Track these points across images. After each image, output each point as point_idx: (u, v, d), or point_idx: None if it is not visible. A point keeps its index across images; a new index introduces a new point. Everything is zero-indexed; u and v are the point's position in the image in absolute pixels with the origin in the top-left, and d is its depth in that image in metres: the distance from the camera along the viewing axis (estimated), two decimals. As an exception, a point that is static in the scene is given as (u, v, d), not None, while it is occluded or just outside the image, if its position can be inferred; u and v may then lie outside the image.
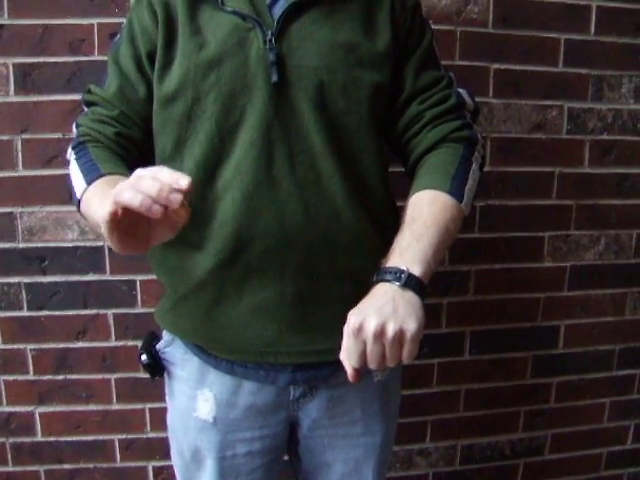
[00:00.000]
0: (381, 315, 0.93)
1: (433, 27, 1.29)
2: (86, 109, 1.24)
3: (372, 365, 0.94)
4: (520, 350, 2.07)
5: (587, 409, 2.19)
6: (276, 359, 1.19)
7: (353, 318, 0.94)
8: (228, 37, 1.10)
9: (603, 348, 2.14)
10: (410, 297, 0.96)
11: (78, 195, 1.11)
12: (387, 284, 0.97)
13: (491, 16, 1.81)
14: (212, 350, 1.23)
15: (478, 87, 1.83)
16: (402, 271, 0.97)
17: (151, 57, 1.15)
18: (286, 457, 1.41)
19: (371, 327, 0.92)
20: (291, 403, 1.26)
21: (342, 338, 1.16)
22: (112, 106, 1.18)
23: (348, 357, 0.95)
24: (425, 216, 1.06)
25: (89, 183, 1.09)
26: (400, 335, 0.92)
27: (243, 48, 1.09)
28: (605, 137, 1.96)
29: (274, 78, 1.08)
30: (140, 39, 1.15)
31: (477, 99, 1.80)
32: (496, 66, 1.84)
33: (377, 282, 0.99)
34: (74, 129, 1.24)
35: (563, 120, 1.91)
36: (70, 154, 1.20)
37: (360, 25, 1.13)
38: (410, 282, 0.96)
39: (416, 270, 0.97)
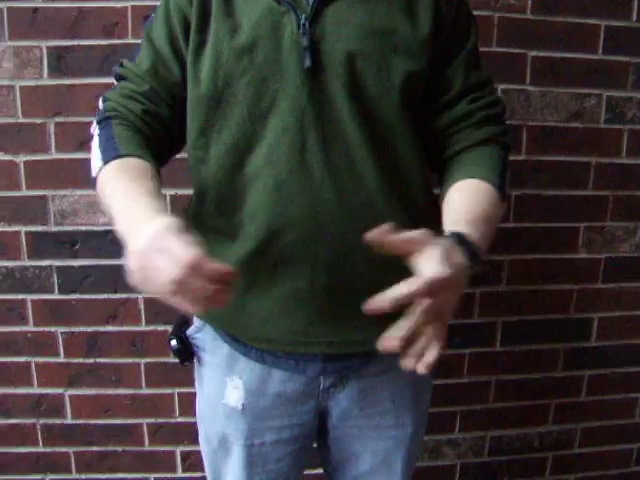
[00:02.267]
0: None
1: None
2: (116, 83, 1.22)
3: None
4: (552, 342, 2.05)
5: (618, 403, 2.16)
6: (306, 349, 1.18)
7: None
8: (262, 21, 1.08)
9: (636, 342, 2.10)
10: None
11: (94, 172, 1.10)
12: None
13: (529, 2, 1.77)
14: (242, 338, 1.22)
15: (515, 74, 1.82)
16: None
17: (186, 36, 1.12)
18: (315, 445, 1.40)
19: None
20: (321, 392, 1.25)
21: (374, 328, 1.16)
22: (142, 81, 1.16)
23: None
24: (485, 205, 1.09)
25: (105, 162, 1.08)
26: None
27: (277, 32, 1.07)
28: (644, 127, 1.92)
29: (307, 63, 1.06)
30: (175, 18, 1.13)
31: (514, 86, 1.81)
32: (534, 53, 1.81)
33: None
34: (100, 103, 1.20)
35: (601, 109, 1.88)
36: (94, 128, 1.18)
37: (399, 10, 1.10)
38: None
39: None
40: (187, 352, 1.31)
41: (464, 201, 1.09)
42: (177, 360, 1.33)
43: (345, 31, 1.07)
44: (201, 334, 1.29)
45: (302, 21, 1.06)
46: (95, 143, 1.14)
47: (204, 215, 1.19)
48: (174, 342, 1.30)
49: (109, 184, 1.06)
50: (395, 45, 1.09)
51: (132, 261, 0.89)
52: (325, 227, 1.09)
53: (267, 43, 1.07)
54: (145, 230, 0.90)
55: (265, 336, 1.18)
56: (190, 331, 1.31)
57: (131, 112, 1.15)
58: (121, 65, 1.21)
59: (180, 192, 1.75)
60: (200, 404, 1.37)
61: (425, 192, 1.20)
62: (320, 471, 1.48)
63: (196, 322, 1.31)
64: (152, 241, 0.88)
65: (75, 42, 1.69)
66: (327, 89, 1.08)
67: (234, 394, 1.25)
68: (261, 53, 1.07)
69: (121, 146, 1.09)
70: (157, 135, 1.17)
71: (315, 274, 1.12)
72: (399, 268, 1.16)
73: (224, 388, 1.26)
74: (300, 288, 1.13)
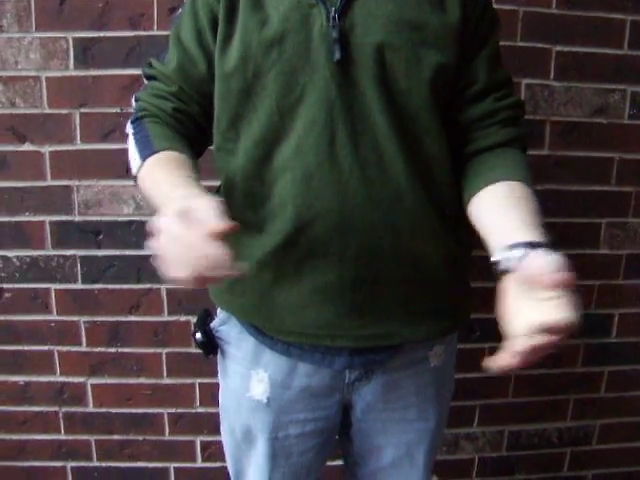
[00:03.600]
0: None
1: (495, 6, 1.24)
2: (146, 82, 1.23)
3: None
4: (572, 337, 2.02)
5: (638, 400, 2.15)
6: (333, 342, 1.18)
7: None
8: (291, 13, 1.07)
9: (657, 338, 2.10)
10: None
11: (134, 171, 1.13)
12: None
13: (554, -4, 1.77)
14: (268, 331, 1.22)
15: (539, 69, 1.81)
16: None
17: (213, 30, 1.12)
18: (337, 437, 1.41)
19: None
20: (346, 386, 1.25)
21: (400, 322, 1.16)
22: (171, 82, 1.17)
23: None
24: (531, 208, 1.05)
25: (143, 159, 1.11)
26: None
27: (306, 25, 1.07)
28: (669, 123, 1.90)
29: (337, 56, 1.05)
30: (202, 11, 1.13)
31: (538, 81, 1.80)
32: (558, 48, 1.79)
33: None
34: (133, 102, 1.24)
35: (626, 104, 1.86)
36: (129, 128, 1.20)
37: (428, 3, 1.09)
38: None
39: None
40: (212, 345, 1.31)
41: (523, 208, 1.05)
42: (201, 352, 1.33)
43: (374, 24, 1.07)
44: (226, 327, 1.30)
45: (332, 14, 1.06)
46: (131, 142, 1.16)
47: (231, 208, 1.19)
48: (199, 335, 1.31)
49: (149, 178, 1.09)
50: (424, 38, 1.08)
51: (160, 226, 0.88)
52: (353, 220, 1.09)
53: (296, 36, 1.07)
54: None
55: (292, 329, 1.18)
56: (214, 324, 1.32)
57: (162, 110, 1.17)
58: (150, 65, 1.22)
59: (205, 184, 1.75)
60: (224, 397, 1.37)
61: (451, 187, 1.19)
62: (340, 463, 1.49)
63: (220, 315, 1.31)
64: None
65: (101, 33, 1.70)
66: (356, 82, 1.08)
67: (259, 387, 1.26)
68: (290, 46, 1.07)
69: (156, 142, 1.12)
70: (189, 131, 1.18)
71: (343, 267, 1.12)
72: (427, 262, 1.17)
73: (249, 381, 1.27)
74: (328, 281, 1.13)
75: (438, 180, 1.16)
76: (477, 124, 1.17)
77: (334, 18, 1.06)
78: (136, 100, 1.23)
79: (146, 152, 1.11)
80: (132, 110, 1.23)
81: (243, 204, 1.16)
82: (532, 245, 0.92)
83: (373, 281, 1.14)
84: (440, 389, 1.33)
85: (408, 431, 1.32)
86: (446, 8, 1.10)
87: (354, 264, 1.12)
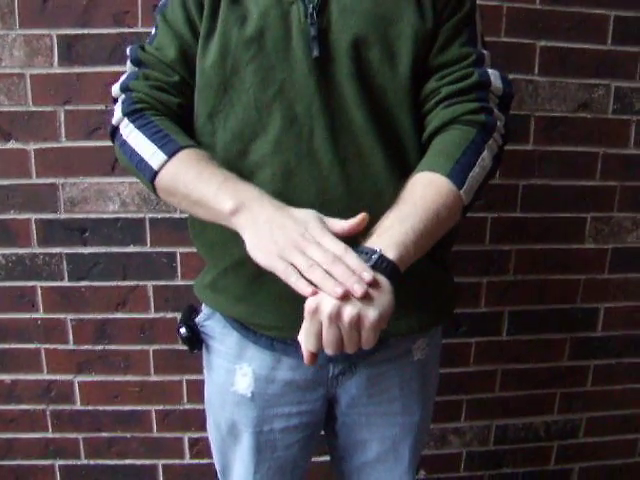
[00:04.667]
0: None
1: (479, 2, 1.21)
2: (134, 68, 1.18)
3: (327, 349, 0.91)
4: (558, 332, 2.05)
5: (624, 393, 2.17)
6: None
7: (311, 299, 0.90)
8: (270, 10, 1.08)
9: (642, 332, 2.11)
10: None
11: (155, 167, 1.07)
12: None
13: (539, -9, 1.78)
14: (251, 326, 1.22)
15: (523, 64, 1.81)
16: (374, 251, 0.93)
17: (201, 22, 1.12)
18: (322, 433, 1.41)
19: (326, 309, 0.88)
20: (330, 380, 1.26)
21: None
22: (171, 71, 1.14)
23: (305, 339, 0.92)
24: (416, 198, 1.01)
25: (169, 155, 1.06)
26: (357, 320, 0.88)
27: (285, 21, 1.07)
28: (652, 118, 1.92)
29: (315, 53, 1.06)
30: (192, 3, 1.12)
31: (522, 76, 1.80)
32: (542, 43, 1.80)
33: None
34: (119, 92, 1.17)
35: (609, 99, 1.88)
36: (120, 120, 1.14)
37: None
38: (381, 264, 0.92)
39: (391, 253, 0.93)
40: (196, 340, 1.31)
41: (402, 204, 1.02)
42: (186, 348, 1.33)
43: (350, 19, 1.07)
44: (210, 322, 1.30)
45: (309, 11, 1.06)
46: (138, 141, 1.10)
47: None
48: (183, 330, 1.30)
49: (186, 173, 1.04)
50: (400, 32, 1.08)
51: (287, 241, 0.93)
52: (333, 215, 1.05)
53: (276, 32, 1.07)
54: (295, 214, 0.96)
55: (273, 323, 1.18)
56: (199, 319, 1.32)
57: (165, 106, 1.13)
58: (142, 49, 1.17)
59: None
60: (209, 391, 1.37)
61: None
62: (326, 459, 1.49)
63: (205, 310, 1.31)
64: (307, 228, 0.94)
65: (85, 31, 1.69)
66: (334, 78, 1.08)
67: (243, 382, 1.26)
68: (269, 42, 1.07)
69: (179, 138, 1.08)
70: (191, 129, 1.16)
71: None
72: None
73: (233, 375, 1.27)
74: None
75: None
76: (424, 108, 1.14)
77: (312, 15, 1.06)
78: (127, 90, 1.16)
79: (170, 147, 1.06)
80: (119, 100, 1.16)
81: None
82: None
83: None
84: (424, 383, 1.33)
85: (393, 425, 1.32)
86: (423, 5, 1.09)
87: None
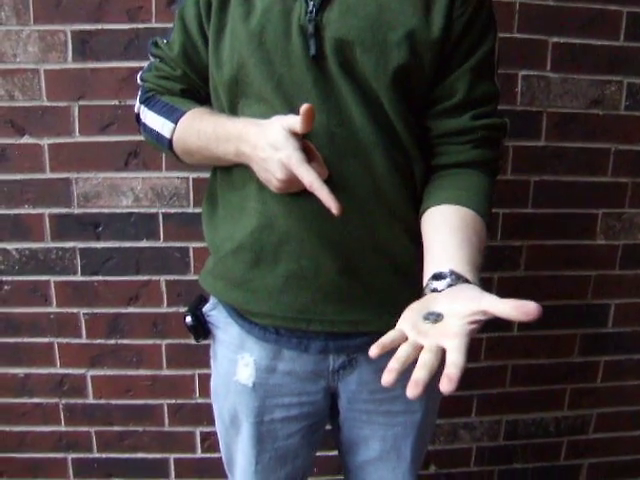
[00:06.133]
0: None
1: None
2: (152, 59, 1.27)
3: None
4: (569, 328, 2.06)
5: (634, 390, 2.17)
6: (308, 326, 1.19)
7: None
8: (274, 5, 1.08)
9: (653, 329, 2.11)
10: None
11: (167, 135, 1.19)
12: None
13: (551, -13, 1.77)
14: (246, 314, 1.23)
15: (536, 60, 1.81)
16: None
17: (209, 20, 1.14)
18: (329, 427, 1.42)
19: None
20: (331, 373, 1.26)
21: (377, 309, 1.16)
22: (176, 65, 1.21)
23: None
24: (480, 244, 1.04)
25: (175, 122, 1.18)
26: None
27: (287, 18, 1.08)
28: (665, 114, 1.91)
29: (312, 51, 1.06)
30: (203, 1, 1.14)
31: (534, 72, 1.81)
32: (555, 39, 1.80)
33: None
34: (139, 81, 1.29)
35: (622, 96, 1.87)
36: (141, 109, 1.26)
37: (412, 6, 1.07)
38: None
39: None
40: (202, 329, 1.33)
41: (468, 240, 1.01)
42: (192, 337, 1.35)
43: (350, 21, 1.07)
44: (215, 311, 1.32)
45: (310, 8, 1.07)
46: (153, 116, 1.23)
47: (220, 190, 1.23)
48: (189, 319, 1.33)
49: (192, 128, 1.16)
50: (399, 40, 1.07)
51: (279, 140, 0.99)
52: (329, 213, 1.04)
53: (277, 27, 1.08)
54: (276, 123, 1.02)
55: (269, 312, 1.19)
56: (206, 308, 1.33)
57: (170, 91, 1.23)
58: (156, 44, 1.25)
59: (202, 175, 1.78)
60: (214, 381, 1.39)
61: (425, 184, 1.18)
62: (336, 453, 1.49)
63: (211, 299, 1.33)
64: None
65: (99, 26, 1.70)
66: (331, 76, 1.08)
67: (245, 371, 1.27)
68: (270, 37, 1.08)
69: (182, 105, 1.20)
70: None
71: (320, 254, 1.13)
72: (404, 252, 1.18)
73: (235, 365, 1.28)
74: (305, 266, 1.14)
75: (415, 174, 1.16)
76: (448, 139, 1.15)
77: (311, 12, 1.07)
78: (142, 80, 1.28)
79: (175, 115, 1.18)
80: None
81: (228, 184, 1.20)
82: (456, 276, 0.90)
83: (350, 269, 1.15)
84: (428, 382, 1.33)
85: (394, 424, 1.32)
86: (432, 15, 1.08)
87: (331, 252, 1.13)
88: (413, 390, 0.72)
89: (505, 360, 2.06)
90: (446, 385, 0.70)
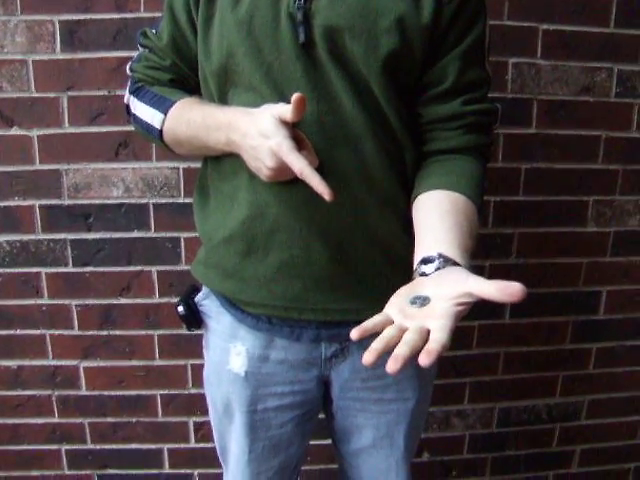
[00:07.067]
0: None
1: None
2: (141, 50, 1.27)
3: None
4: (560, 315, 2.06)
5: (626, 376, 2.18)
6: (300, 315, 1.19)
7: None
8: None
9: (644, 315, 2.12)
10: None
11: (157, 126, 1.20)
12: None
13: (541, -26, 1.77)
14: (238, 303, 1.24)
15: (526, 47, 1.81)
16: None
17: (197, 10, 1.14)
18: (322, 416, 1.42)
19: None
20: (323, 362, 1.27)
21: (368, 298, 1.16)
22: (165, 55, 1.21)
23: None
24: (472, 228, 1.03)
25: (165, 113, 1.18)
26: None
27: (276, 5, 1.07)
28: (655, 101, 1.91)
29: (301, 38, 1.06)
30: None
31: (524, 60, 1.81)
32: (545, 26, 1.80)
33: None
34: (128, 71, 1.29)
35: (612, 83, 1.87)
36: (130, 99, 1.26)
37: None
38: None
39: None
40: (194, 318, 1.34)
41: (458, 224, 1.01)
42: (185, 326, 1.36)
43: (339, 7, 1.06)
44: (207, 301, 1.32)
45: None
46: (141, 107, 1.23)
47: (210, 180, 1.24)
48: (181, 308, 1.33)
49: (182, 118, 1.16)
50: (389, 26, 1.06)
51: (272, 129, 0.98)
52: (321, 197, 1.02)
53: (265, 15, 1.07)
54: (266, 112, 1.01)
55: (260, 301, 1.20)
56: (198, 298, 1.34)
57: (159, 82, 1.23)
58: (145, 35, 1.25)
59: (193, 165, 1.77)
60: (207, 371, 1.39)
61: (416, 171, 1.19)
62: (329, 442, 1.50)
63: (204, 289, 1.33)
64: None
65: (87, 16, 1.69)
66: (320, 63, 1.08)
67: (237, 360, 1.27)
68: (259, 24, 1.07)
69: (171, 96, 1.20)
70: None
71: (311, 243, 1.13)
72: (395, 240, 1.18)
73: (228, 354, 1.28)
74: (296, 255, 1.14)
75: (406, 161, 1.16)
76: (439, 124, 1.15)
77: (300, 0, 1.06)
78: (131, 70, 1.28)
79: (165, 106, 1.18)
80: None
81: (219, 174, 1.20)
82: (445, 259, 0.90)
83: (341, 258, 1.15)
84: (420, 370, 1.32)
85: (386, 411, 1.33)
86: (421, 1, 1.07)
87: (322, 241, 1.13)
88: (392, 365, 0.72)
89: (497, 347, 2.07)
90: (424, 358, 0.71)
